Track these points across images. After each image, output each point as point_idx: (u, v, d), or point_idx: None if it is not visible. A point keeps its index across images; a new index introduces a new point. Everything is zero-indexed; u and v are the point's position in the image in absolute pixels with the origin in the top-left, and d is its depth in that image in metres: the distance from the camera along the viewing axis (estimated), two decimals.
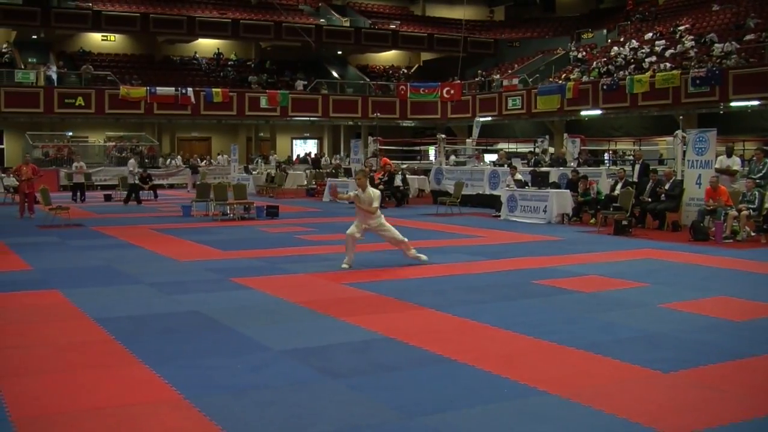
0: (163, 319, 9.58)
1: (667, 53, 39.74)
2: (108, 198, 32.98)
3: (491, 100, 46.77)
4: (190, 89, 45.37)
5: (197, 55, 53.18)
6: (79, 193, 32.26)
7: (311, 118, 50.14)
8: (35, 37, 48.67)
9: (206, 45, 53.41)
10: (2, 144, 46.40)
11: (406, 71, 58.72)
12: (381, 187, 27.57)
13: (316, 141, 55.77)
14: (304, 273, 13.09)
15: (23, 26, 47.27)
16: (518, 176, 24.36)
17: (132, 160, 32.90)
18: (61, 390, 6.81)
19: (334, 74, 55.13)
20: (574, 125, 41.45)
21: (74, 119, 45.50)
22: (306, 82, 50.66)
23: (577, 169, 25.00)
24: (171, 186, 42.01)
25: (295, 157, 51.51)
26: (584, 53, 47.42)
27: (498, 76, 49.51)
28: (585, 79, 41.71)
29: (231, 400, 6.48)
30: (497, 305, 10.39)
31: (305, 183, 38.58)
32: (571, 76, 43.38)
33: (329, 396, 6.60)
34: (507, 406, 6.36)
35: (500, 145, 42.56)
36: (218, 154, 47.68)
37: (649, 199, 20.10)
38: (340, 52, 56.69)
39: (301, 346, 8.21)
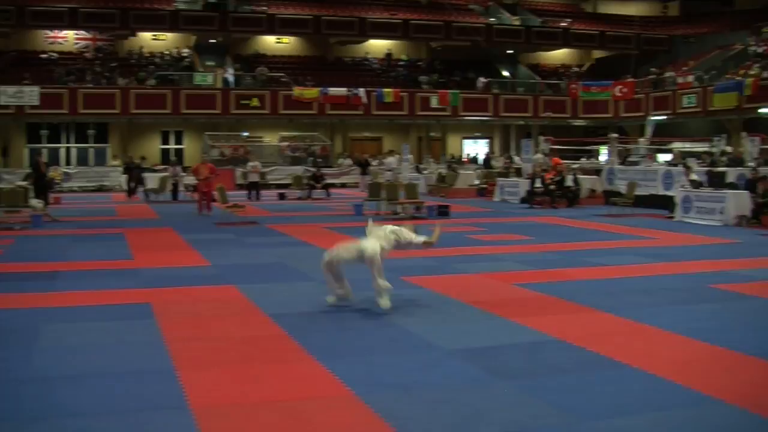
0: (334, 316, 9.74)
1: None
2: (282, 196, 33.72)
3: (665, 99, 45.56)
4: (361, 89, 45.96)
5: (368, 56, 53.80)
6: (254, 192, 33.08)
7: (482, 118, 50.04)
8: (213, 41, 50.32)
9: (377, 46, 53.97)
10: (182, 144, 48.20)
11: (577, 69, 57.84)
12: (552, 187, 27.34)
13: (486, 140, 55.58)
14: (475, 273, 13.07)
15: (202, 31, 48.96)
16: (693, 176, 23.65)
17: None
18: (237, 382, 7.02)
19: (505, 73, 54.84)
20: (753, 123, 39.84)
21: (250, 120, 46.79)
22: (486, 80, 50.52)
23: (757, 168, 24.08)
24: (343, 185, 42.61)
25: (465, 157, 51.50)
26: (765, 48, 45.57)
27: (672, 73, 48.18)
28: (765, 75, 40.10)
29: (400, 397, 6.53)
30: (671, 309, 10.10)
31: (476, 182, 38.47)
32: (750, 72, 41.77)
33: (498, 397, 6.58)
34: (680, 414, 6.18)
35: (674, 145, 41.38)
36: (389, 153, 48.07)
37: None
38: (510, 51, 56.28)
39: (470, 345, 8.21)
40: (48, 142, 45.13)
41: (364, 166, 37.44)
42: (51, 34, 48.83)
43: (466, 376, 7.16)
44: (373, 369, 7.35)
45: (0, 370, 7.39)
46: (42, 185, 24.79)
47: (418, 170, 40.18)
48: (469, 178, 39.05)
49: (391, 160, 32.43)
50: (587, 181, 32.34)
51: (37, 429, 5.94)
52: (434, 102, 47.47)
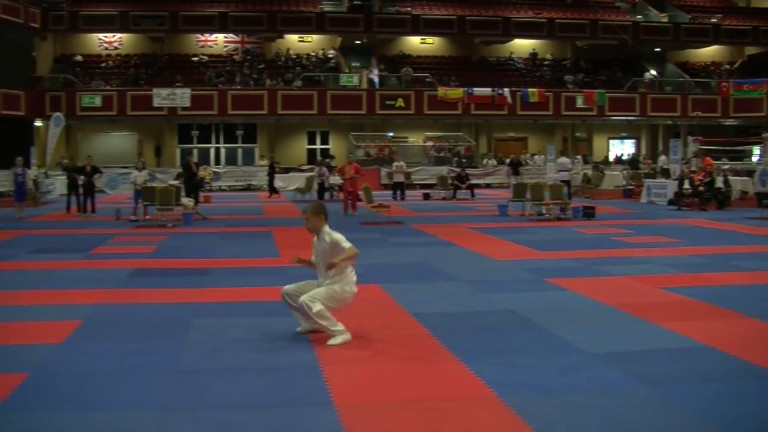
0: (478, 317, 9.74)
1: None
2: (426, 197, 33.86)
3: None
4: (506, 89, 45.74)
5: (513, 56, 53.47)
6: (399, 192, 33.30)
7: (628, 118, 49.14)
8: (358, 42, 50.83)
9: (522, 45, 53.55)
10: (328, 144, 48.88)
11: (728, 67, 56.11)
12: (701, 188, 26.64)
13: (633, 141, 54.52)
14: (620, 275, 12.84)
15: (348, 32, 49.50)
16: None
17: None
18: (380, 380, 7.12)
19: (652, 72, 53.69)
20: None
21: (395, 120, 47.11)
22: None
23: None
24: (488, 185, 42.49)
25: (612, 157, 50.70)
26: None
27: None
28: None
29: (542, 400, 6.50)
30: None
31: (622, 183, 37.80)
32: None
33: (643, 403, 6.47)
34: None
35: None
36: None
37: None
38: (658, 49, 55.04)
39: (615, 350, 8.09)
40: (198, 143, 46.49)
41: (516, 166, 37.31)
42: (202, 38, 50.28)
43: (610, 380, 7.07)
44: (515, 371, 7.33)
45: (151, 363, 7.68)
46: (193, 184, 25.56)
47: (598, 169, 39.42)
48: (615, 179, 38.45)
49: (564, 161, 32.09)
50: (739, 183, 31.42)
51: (184, 420, 6.15)
52: (580, 102, 46.89)
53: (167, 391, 6.81)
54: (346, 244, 8.63)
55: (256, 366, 7.57)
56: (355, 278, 8.85)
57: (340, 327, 8.52)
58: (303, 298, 8.49)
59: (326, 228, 8.86)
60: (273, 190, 35.17)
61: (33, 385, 6.97)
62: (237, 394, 6.73)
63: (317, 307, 8.41)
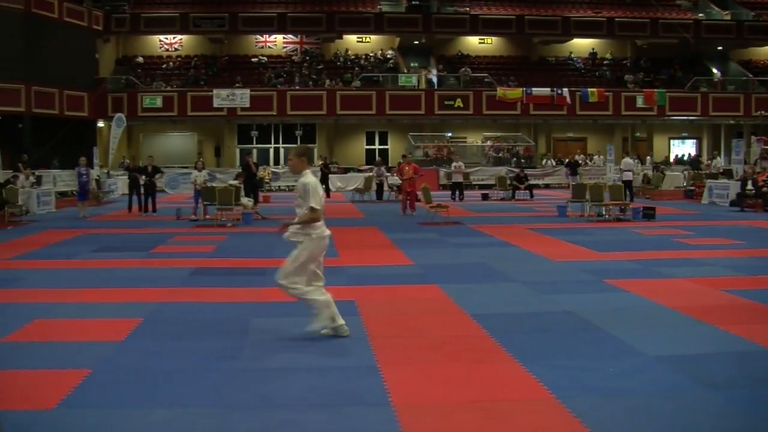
0: (536, 318, 9.70)
1: None
2: (485, 197, 33.76)
3: None
4: (565, 89, 45.46)
5: (572, 55, 53.10)
6: (457, 192, 33.24)
7: (689, 118, 48.54)
8: (417, 42, 50.82)
9: (581, 45, 53.13)
10: (387, 144, 48.96)
11: None
12: (765, 189, 26.21)
13: (694, 141, 53.84)
14: (681, 277, 12.68)
15: (406, 32, 49.50)
16: None
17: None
18: (438, 380, 7.12)
19: (714, 71, 52.96)
20: None
21: (453, 120, 47.04)
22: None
23: None
24: (546, 186, 42.27)
25: (672, 158, 50.13)
26: None
27: None
28: None
29: (601, 403, 6.46)
30: None
31: (683, 184, 37.38)
32: None
33: (703, 407, 6.40)
34: None
35: None
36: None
37: None
38: (719, 48, 54.26)
39: (675, 352, 8.01)
40: (257, 143, 46.84)
41: (573, 167, 37.03)
42: (261, 38, 50.61)
43: (670, 384, 7.00)
44: (574, 372, 7.29)
45: (210, 361, 7.78)
46: (252, 184, 25.78)
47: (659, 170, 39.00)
48: (676, 179, 38.04)
49: (628, 161, 31.85)
50: None
51: (243, 418, 6.22)
52: (640, 101, 46.40)
53: (226, 389, 6.88)
54: (312, 201, 8.44)
55: (315, 365, 7.62)
56: (325, 230, 8.72)
57: (321, 297, 8.59)
58: (280, 281, 8.60)
59: (307, 171, 8.85)
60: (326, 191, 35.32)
61: (95, 381, 7.10)
62: (295, 393, 6.79)
63: (296, 290, 8.55)
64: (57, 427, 6.10)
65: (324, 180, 35.75)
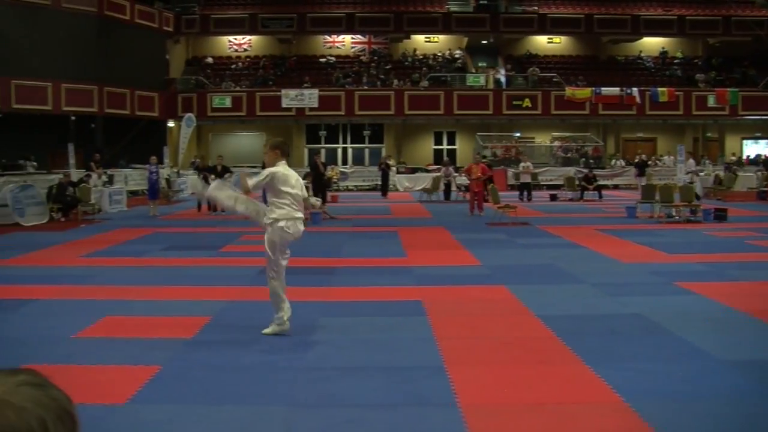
0: (605, 320, 9.62)
1: None
2: (553, 197, 33.54)
3: None
4: (635, 89, 44.94)
5: (642, 54, 52.49)
6: (525, 192, 33.06)
7: (764, 117, 47.67)
8: (485, 42, 50.68)
9: (651, 43, 52.50)
10: (455, 144, 48.88)
11: None
12: None
13: (767, 141, 52.91)
14: (753, 280, 12.48)
15: (474, 32, 49.40)
16: None
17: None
18: (505, 382, 7.10)
19: None
20: None
21: (521, 120, 46.82)
22: None
23: None
24: (615, 186, 41.86)
25: (745, 158, 49.33)
26: None
27: None
28: None
29: (670, 407, 6.39)
30: None
31: (756, 185, 36.77)
32: None
33: None
34: None
35: None
36: (661, 155, 46.81)
37: None
38: None
39: (745, 357, 7.88)
40: (326, 143, 47.02)
41: (641, 167, 36.57)
42: (329, 39, 50.87)
43: (740, 389, 6.89)
44: (642, 375, 7.22)
45: (278, 359, 7.86)
46: (321, 184, 25.89)
47: (731, 170, 38.47)
48: (748, 180, 37.41)
49: (689, 162, 31.44)
50: None
51: (309, 416, 6.28)
52: (711, 101, 45.70)
53: (293, 388, 6.94)
54: (259, 177, 8.85)
55: (382, 365, 7.64)
56: (296, 225, 9.06)
57: (282, 315, 8.74)
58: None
59: (280, 163, 8.94)
60: (384, 190, 35.48)
61: (165, 378, 7.21)
62: (362, 392, 6.82)
63: (271, 283, 8.87)
64: (129, 421, 6.22)
65: (384, 178, 35.93)
